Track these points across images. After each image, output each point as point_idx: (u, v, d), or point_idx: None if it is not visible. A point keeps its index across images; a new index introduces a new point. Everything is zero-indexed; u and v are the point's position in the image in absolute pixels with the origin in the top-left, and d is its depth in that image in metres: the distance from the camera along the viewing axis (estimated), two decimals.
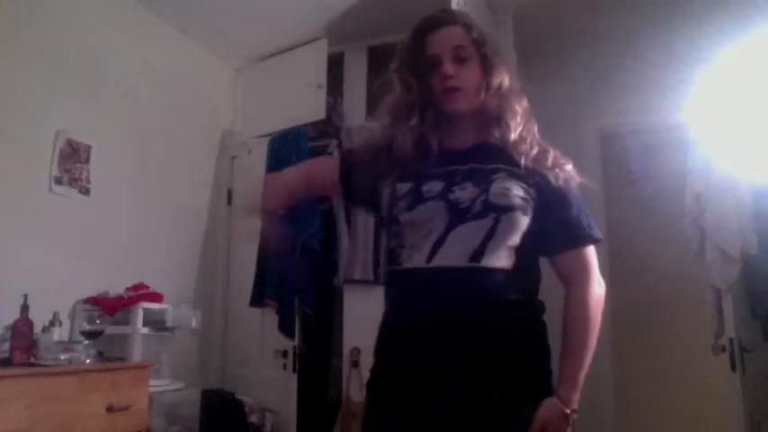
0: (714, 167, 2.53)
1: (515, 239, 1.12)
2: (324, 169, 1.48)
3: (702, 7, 2.76)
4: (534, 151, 1.18)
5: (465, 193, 1.12)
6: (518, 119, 1.19)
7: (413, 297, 1.14)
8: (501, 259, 1.10)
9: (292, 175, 1.51)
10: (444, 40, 1.19)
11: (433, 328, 1.09)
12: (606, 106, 3.26)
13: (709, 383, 3.16)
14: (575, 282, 1.16)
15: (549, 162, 1.17)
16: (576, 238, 1.16)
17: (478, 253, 1.09)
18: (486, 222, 1.10)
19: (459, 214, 1.11)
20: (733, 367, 2.38)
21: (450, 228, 1.10)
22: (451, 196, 1.13)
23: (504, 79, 1.21)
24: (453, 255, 1.09)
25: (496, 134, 1.19)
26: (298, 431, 2.88)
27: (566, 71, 3.38)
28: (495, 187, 1.12)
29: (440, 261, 1.10)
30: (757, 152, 2.45)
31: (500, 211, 1.10)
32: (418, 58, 1.20)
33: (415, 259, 1.12)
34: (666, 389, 3.68)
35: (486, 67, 1.20)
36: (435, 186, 1.15)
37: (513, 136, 1.18)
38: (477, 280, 1.09)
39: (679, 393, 3.63)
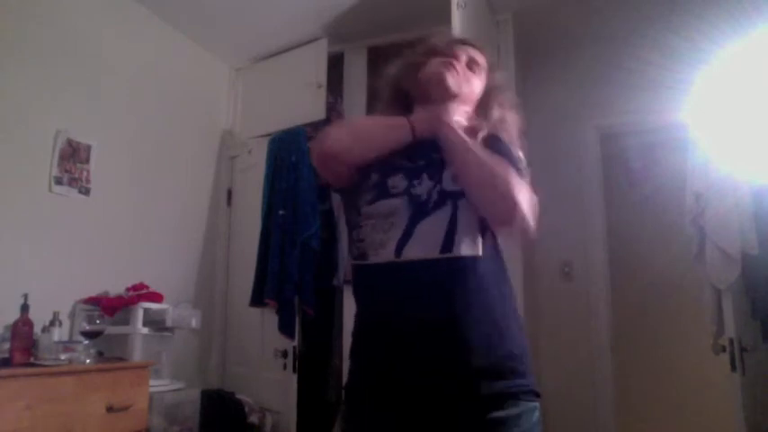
0: (714, 167, 2.53)
1: (477, 224, 1.12)
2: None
3: (702, 7, 2.76)
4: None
5: (423, 186, 1.14)
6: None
7: (387, 295, 1.12)
8: (470, 246, 1.10)
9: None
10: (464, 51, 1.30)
11: (414, 329, 1.08)
12: (606, 106, 3.26)
13: (709, 383, 3.17)
14: None
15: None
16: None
17: (448, 243, 1.09)
18: (447, 210, 1.10)
19: (420, 208, 1.12)
20: (733, 367, 2.38)
21: (413, 222, 1.11)
22: (413, 191, 1.14)
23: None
24: (424, 247, 1.09)
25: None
26: (298, 431, 2.88)
27: (566, 71, 3.38)
28: (447, 175, 1.13)
29: (410, 254, 1.09)
30: (757, 152, 2.45)
31: (456, 197, 1.11)
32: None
33: (381, 254, 1.11)
34: (666, 389, 3.69)
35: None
36: (400, 183, 1.15)
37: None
38: (451, 270, 1.08)
39: (679, 393, 3.63)
